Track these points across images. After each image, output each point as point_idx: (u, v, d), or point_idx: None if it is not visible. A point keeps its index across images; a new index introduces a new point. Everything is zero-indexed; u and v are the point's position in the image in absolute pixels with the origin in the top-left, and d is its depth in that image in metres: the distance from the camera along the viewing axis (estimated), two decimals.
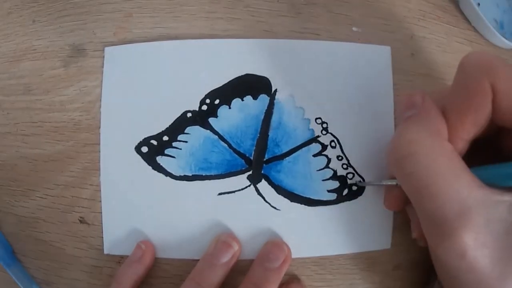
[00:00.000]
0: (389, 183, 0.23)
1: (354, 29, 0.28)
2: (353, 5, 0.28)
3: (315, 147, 0.26)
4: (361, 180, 0.26)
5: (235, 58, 0.26)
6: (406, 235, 0.27)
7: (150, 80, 0.26)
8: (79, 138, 0.27)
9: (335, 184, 0.26)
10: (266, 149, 0.26)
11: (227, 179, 0.25)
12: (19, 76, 0.28)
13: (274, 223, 0.25)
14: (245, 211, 0.25)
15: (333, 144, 0.26)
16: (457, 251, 0.17)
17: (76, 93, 0.27)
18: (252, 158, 0.26)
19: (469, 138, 0.19)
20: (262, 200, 0.25)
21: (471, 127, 0.19)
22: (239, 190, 0.25)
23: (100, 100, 0.27)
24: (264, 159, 0.26)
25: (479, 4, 0.29)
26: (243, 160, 0.26)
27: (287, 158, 0.26)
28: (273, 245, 0.24)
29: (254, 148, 0.26)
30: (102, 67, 0.27)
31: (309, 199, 0.25)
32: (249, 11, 0.27)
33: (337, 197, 0.26)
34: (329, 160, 0.26)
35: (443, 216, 0.18)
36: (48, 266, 0.27)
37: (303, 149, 0.26)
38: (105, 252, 0.26)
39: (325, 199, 0.25)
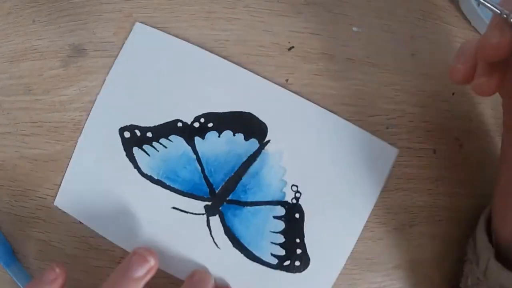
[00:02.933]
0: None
1: (354, 29, 0.28)
2: (353, 5, 0.28)
3: (279, 210, 0.25)
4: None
5: (248, 92, 0.26)
6: (406, 235, 0.27)
7: (160, 74, 0.27)
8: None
9: (281, 251, 0.25)
10: (233, 190, 0.26)
11: (186, 198, 0.26)
12: (19, 76, 0.28)
13: (210, 258, 0.25)
14: (189, 234, 0.25)
15: (297, 216, 0.25)
16: None
17: (76, 93, 0.27)
18: (217, 191, 0.26)
19: None
20: (208, 232, 0.25)
21: None
22: (191, 213, 0.25)
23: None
24: (227, 198, 0.26)
25: (479, 4, 0.29)
26: (208, 189, 0.26)
27: (248, 207, 0.25)
28: (137, 256, 0.23)
29: (223, 184, 0.26)
30: (103, 66, 0.27)
31: (250, 252, 0.25)
32: (249, 11, 0.27)
33: (277, 263, 0.25)
34: (286, 228, 0.25)
35: None
36: (48, 266, 0.26)
37: (268, 206, 0.25)
38: (54, 203, 0.26)
39: (265, 259, 0.25)
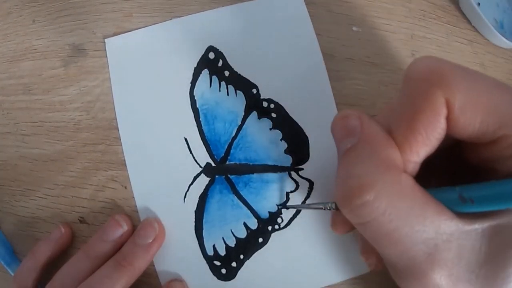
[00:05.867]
0: (327, 208, 0.21)
1: (354, 28, 0.28)
2: (353, 4, 0.28)
3: (253, 222, 0.25)
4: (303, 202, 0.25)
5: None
6: None
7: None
8: (79, 138, 0.27)
9: (223, 252, 0.25)
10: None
11: (201, 144, 0.26)
12: (19, 76, 0.28)
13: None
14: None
15: (260, 240, 0.25)
16: None
17: (76, 93, 0.27)
18: (223, 164, 0.26)
19: (420, 160, 0.17)
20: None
21: (421, 149, 0.16)
22: (193, 157, 0.26)
23: (100, 99, 0.27)
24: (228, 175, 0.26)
25: (479, 4, 0.29)
26: (221, 156, 0.26)
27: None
28: (146, 223, 0.25)
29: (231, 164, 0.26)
30: (102, 66, 0.27)
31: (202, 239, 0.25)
32: None
33: (212, 256, 0.25)
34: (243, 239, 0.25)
35: (409, 260, 0.16)
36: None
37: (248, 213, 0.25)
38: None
39: (207, 248, 0.25)
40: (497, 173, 0.16)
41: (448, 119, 0.15)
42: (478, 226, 0.16)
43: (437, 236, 0.16)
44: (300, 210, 0.25)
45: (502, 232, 0.16)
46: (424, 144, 0.16)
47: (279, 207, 0.25)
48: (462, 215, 0.16)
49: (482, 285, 0.16)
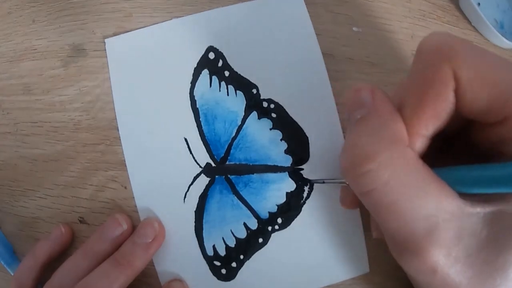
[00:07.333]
0: (338, 182, 0.22)
1: (355, 29, 0.28)
2: (354, 4, 0.28)
3: (253, 222, 0.25)
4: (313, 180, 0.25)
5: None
6: None
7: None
8: (78, 138, 0.27)
9: (223, 252, 0.25)
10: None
11: (201, 144, 0.26)
12: (19, 76, 0.28)
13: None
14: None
15: (260, 240, 0.25)
16: (427, 269, 0.16)
17: (76, 93, 0.27)
18: (223, 163, 0.26)
19: (429, 134, 0.17)
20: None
21: (430, 121, 0.16)
22: (193, 157, 0.25)
23: (100, 99, 0.27)
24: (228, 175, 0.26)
25: (479, 4, 0.29)
26: (221, 156, 0.26)
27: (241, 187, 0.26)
28: (146, 223, 0.25)
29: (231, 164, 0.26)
30: (102, 66, 0.27)
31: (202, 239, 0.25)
32: None
33: (212, 256, 0.25)
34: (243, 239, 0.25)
35: (409, 234, 0.16)
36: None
37: (248, 214, 0.25)
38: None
39: (206, 248, 0.25)
40: (505, 156, 0.17)
41: (457, 93, 0.16)
42: (480, 210, 0.16)
43: (438, 213, 0.16)
44: (300, 210, 0.25)
45: (503, 219, 0.16)
46: (433, 116, 0.16)
47: (298, 183, 0.25)
48: (465, 197, 0.16)
49: (480, 269, 0.16)
